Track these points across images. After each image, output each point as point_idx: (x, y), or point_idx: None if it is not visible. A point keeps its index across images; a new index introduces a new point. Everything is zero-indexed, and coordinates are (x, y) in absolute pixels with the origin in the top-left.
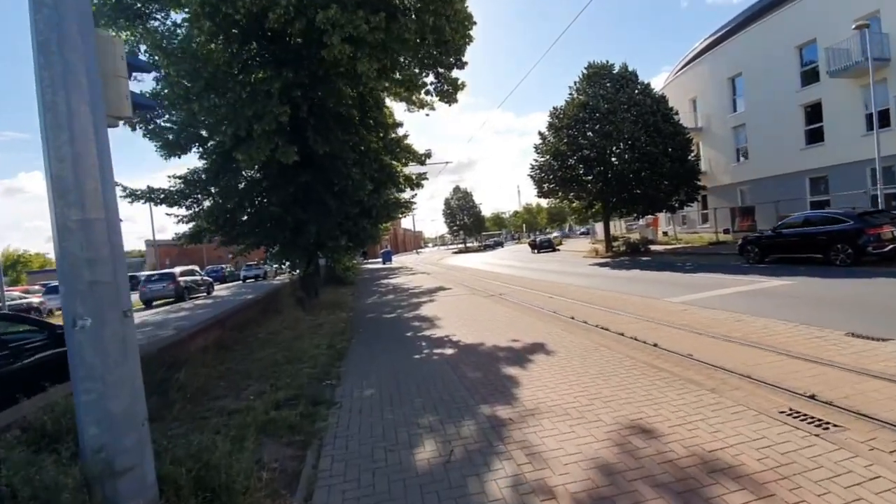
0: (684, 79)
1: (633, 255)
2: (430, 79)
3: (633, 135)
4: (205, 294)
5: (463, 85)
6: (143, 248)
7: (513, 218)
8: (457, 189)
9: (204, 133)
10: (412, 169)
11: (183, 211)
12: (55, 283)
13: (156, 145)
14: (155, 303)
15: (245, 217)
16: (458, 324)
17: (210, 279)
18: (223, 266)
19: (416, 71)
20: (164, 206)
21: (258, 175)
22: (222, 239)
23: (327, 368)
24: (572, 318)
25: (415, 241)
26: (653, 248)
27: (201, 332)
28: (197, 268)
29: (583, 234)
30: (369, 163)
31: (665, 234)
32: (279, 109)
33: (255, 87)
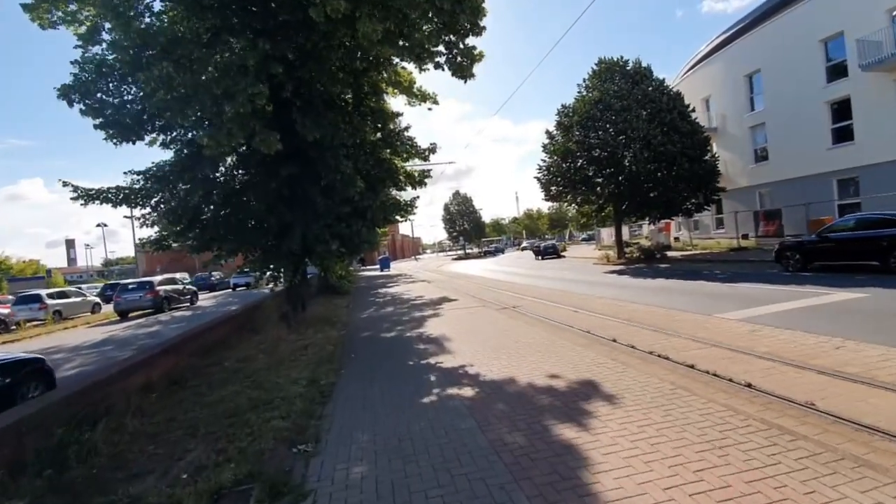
0: (696, 78)
1: (648, 262)
2: (441, 48)
3: (648, 133)
4: (188, 304)
5: (481, 56)
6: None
7: (512, 224)
8: (456, 194)
9: (167, 114)
10: (413, 165)
11: (147, 212)
12: (36, 291)
13: (95, 123)
14: (131, 314)
15: (219, 217)
16: (475, 348)
17: (194, 288)
18: (213, 273)
19: (427, 32)
20: (124, 206)
21: (236, 168)
22: (190, 244)
23: (304, 419)
24: (614, 340)
25: (413, 248)
26: (669, 254)
27: (144, 364)
28: (180, 275)
29: (584, 240)
30: (365, 157)
31: (676, 239)
32: (255, 88)
33: (227, 62)
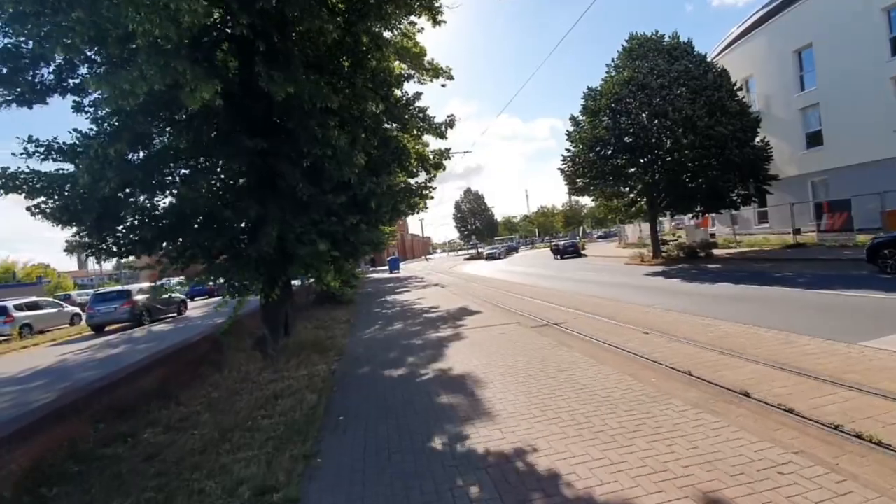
0: (733, 58)
1: (692, 262)
2: None
3: (693, 114)
4: (175, 315)
5: None
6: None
7: (524, 222)
8: (468, 191)
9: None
10: (417, 148)
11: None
12: (3, 302)
13: None
14: (109, 328)
15: (152, 212)
16: (529, 407)
17: (181, 296)
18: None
19: None
20: (25, 197)
21: (178, 141)
22: (106, 249)
23: None
24: (746, 394)
25: (423, 248)
26: (715, 252)
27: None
28: (177, 280)
29: (600, 237)
30: (365, 134)
31: (713, 236)
32: (187, 3)
33: None
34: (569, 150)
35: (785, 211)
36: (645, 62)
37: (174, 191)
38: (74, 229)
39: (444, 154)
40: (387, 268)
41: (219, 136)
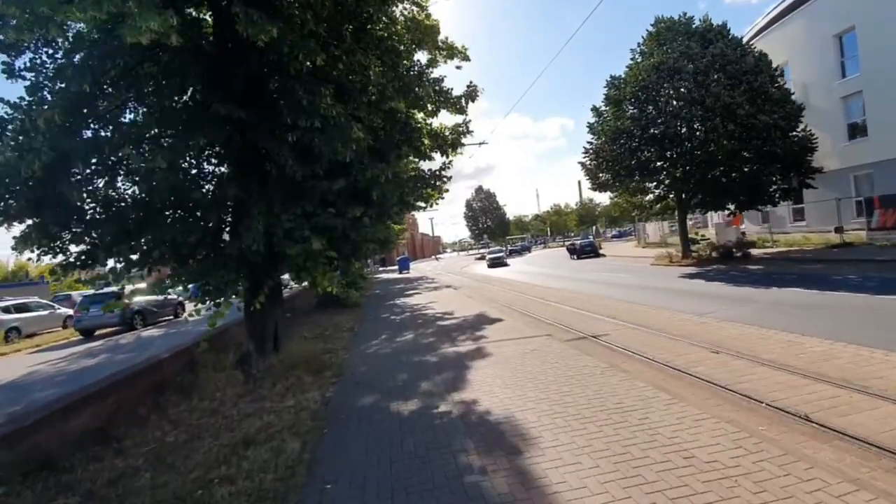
0: (766, 43)
1: (729, 263)
2: None
3: (732, 101)
4: (171, 317)
5: None
6: None
7: (535, 221)
8: (479, 190)
9: None
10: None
11: None
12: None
13: None
14: (99, 332)
15: (123, 202)
16: (601, 478)
17: (178, 298)
18: None
19: None
20: None
21: (130, 107)
22: (61, 248)
23: None
24: None
25: (433, 247)
26: (753, 252)
27: None
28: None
29: (614, 237)
30: (368, 106)
31: (743, 234)
32: None
33: None
34: (590, 143)
35: (823, 208)
36: (676, 45)
37: (136, 175)
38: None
39: (463, 128)
40: (396, 268)
41: (190, 107)
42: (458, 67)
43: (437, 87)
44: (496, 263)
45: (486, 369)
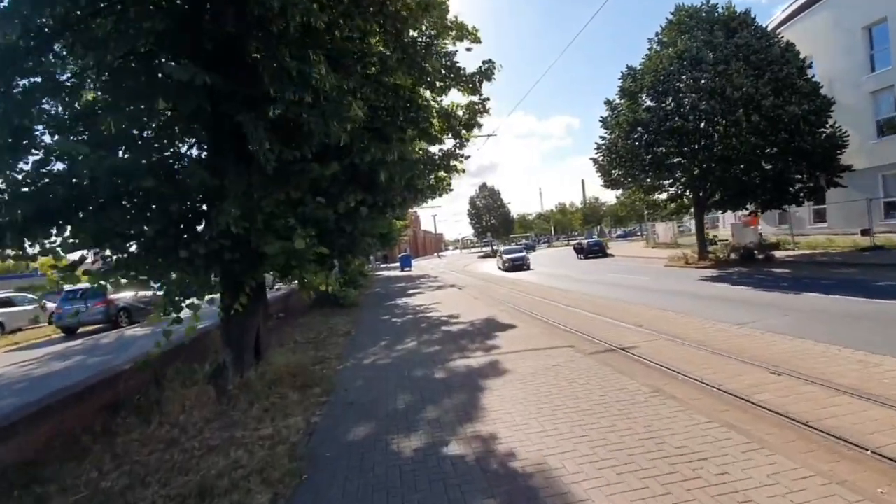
0: (789, 36)
1: (751, 265)
2: None
3: (756, 92)
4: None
5: None
6: None
7: (539, 220)
8: (483, 187)
9: None
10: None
11: None
12: None
13: None
14: (83, 328)
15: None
16: None
17: None
18: None
19: None
20: None
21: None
22: None
23: None
24: None
25: (436, 245)
26: (776, 254)
27: None
28: None
29: (619, 236)
30: (368, 80)
31: (760, 235)
32: None
33: None
34: (603, 138)
35: (848, 209)
36: (699, 34)
37: (65, 152)
38: None
39: (480, 107)
40: (398, 265)
41: (143, 68)
42: (468, 49)
43: (446, 63)
44: (515, 266)
45: (504, 390)
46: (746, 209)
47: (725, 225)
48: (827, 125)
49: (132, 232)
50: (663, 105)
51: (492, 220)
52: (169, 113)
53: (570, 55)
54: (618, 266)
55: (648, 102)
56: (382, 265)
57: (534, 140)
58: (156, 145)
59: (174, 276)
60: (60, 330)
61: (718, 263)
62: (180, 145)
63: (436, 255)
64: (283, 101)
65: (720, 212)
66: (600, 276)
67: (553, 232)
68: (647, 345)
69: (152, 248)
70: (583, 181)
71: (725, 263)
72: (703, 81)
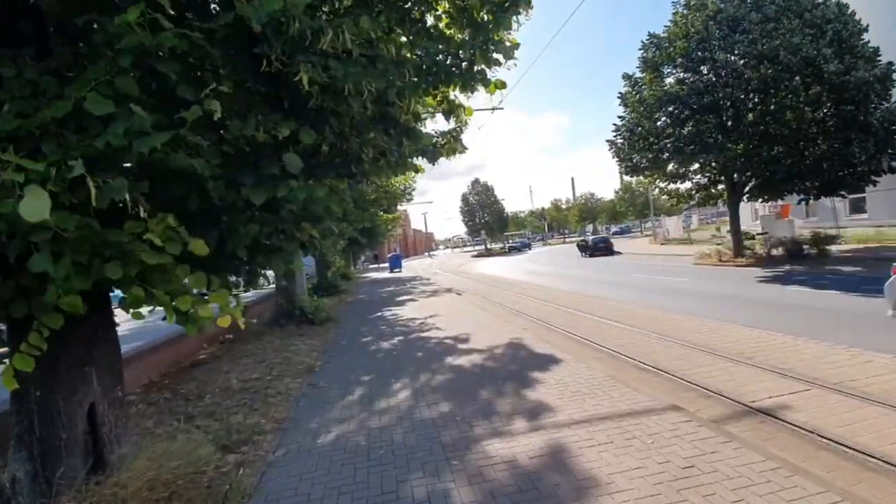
0: None
1: (803, 262)
2: None
3: (817, 56)
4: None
5: None
6: None
7: (531, 218)
8: (476, 183)
9: None
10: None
11: None
12: None
13: None
14: None
15: None
16: None
17: None
18: None
19: None
20: None
21: None
22: None
23: None
24: None
25: (427, 243)
26: (831, 249)
27: None
28: None
29: (616, 233)
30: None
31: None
32: None
33: None
34: (622, 118)
35: (894, 198)
36: None
37: None
38: None
39: (509, 48)
40: (387, 265)
41: None
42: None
43: None
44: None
45: None
46: (816, 195)
47: (760, 217)
48: (891, 96)
49: None
50: (699, 76)
51: (486, 217)
52: None
53: (561, 49)
54: (635, 265)
55: (679, 73)
56: (372, 265)
57: (524, 136)
58: None
59: None
60: None
61: (760, 260)
62: None
63: (426, 254)
64: None
65: (756, 200)
66: (624, 278)
67: (547, 229)
68: (799, 401)
69: None
70: (572, 179)
71: (770, 260)
72: (747, 46)
